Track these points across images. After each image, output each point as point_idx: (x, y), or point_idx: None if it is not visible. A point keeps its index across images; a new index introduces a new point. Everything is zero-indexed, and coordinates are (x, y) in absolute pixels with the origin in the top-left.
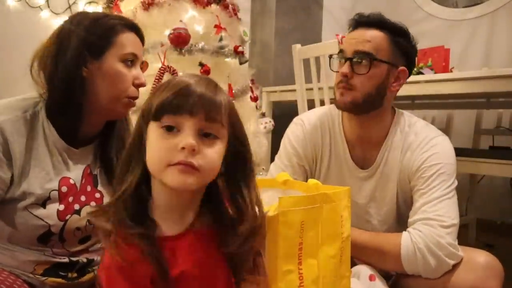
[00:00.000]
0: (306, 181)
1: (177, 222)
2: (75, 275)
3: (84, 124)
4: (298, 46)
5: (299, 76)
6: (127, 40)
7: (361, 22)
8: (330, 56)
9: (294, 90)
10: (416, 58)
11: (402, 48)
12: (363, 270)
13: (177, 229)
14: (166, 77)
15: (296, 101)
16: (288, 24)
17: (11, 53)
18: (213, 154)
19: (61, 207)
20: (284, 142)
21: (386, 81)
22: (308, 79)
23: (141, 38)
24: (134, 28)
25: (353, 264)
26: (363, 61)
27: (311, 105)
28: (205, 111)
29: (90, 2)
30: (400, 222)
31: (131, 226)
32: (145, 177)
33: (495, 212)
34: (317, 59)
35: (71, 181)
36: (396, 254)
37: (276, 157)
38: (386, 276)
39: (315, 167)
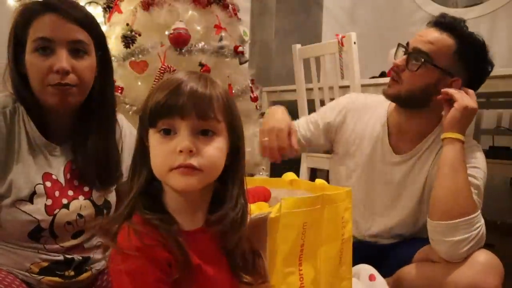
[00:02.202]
0: (327, 142)
1: (190, 219)
2: (72, 273)
3: (49, 119)
4: (298, 46)
5: (299, 76)
6: (40, 25)
7: (437, 22)
8: (399, 45)
9: (294, 90)
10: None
11: (468, 62)
12: (363, 270)
13: (191, 225)
14: (166, 77)
15: (296, 101)
16: (288, 24)
17: None
18: (212, 151)
19: (49, 201)
20: (327, 105)
21: (434, 85)
22: (308, 79)
23: (64, 13)
24: (49, 7)
25: (353, 263)
26: (418, 60)
27: (311, 105)
28: (195, 111)
29: (90, 2)
30: (420, 210)
31: (149, 213)
32: (154, 178)
33: (495, 212)
34: (317, 59)
35: (54, 177)
36: (468, 211)
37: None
38: (386, 274)
39: (339, 140)
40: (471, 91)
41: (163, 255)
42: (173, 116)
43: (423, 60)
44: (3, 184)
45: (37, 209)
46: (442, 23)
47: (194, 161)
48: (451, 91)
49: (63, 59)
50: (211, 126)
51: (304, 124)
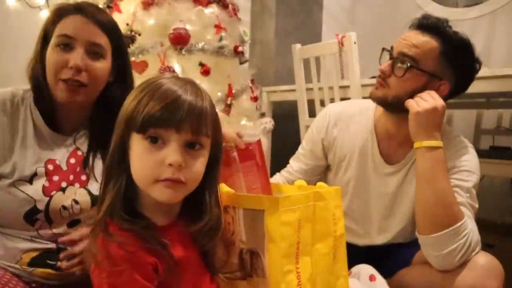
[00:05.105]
0: (322, 167)
1: (165, 215)
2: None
3: (59, 112)
4: (298, 46)
5: (299, 76)
6: (65, 24)
7: (419, 24)
8: (383, 49)
9: (294, 90)
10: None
11: (454, 63)
12: (363, 270)
13: (165, 220)
14: (153, 81)
15: (296, 101)
16: (288, 24)
17: (11, 53)
18: (198, 166)
19: (47, 183)
20: (310, 127)
21: (422, 89)
22: (308, 79)
23: (91, 17)
24: (78, 9)
25: (353, 264)
26: (404, 64)
27: (311, 105)
28: (191, 126)
29: None
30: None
31: (127, 219)
32: (131, 181)
33: (495, 212)
34: (317, 59)
35: (57, 162)
36: (451, 221)
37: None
38: (386, 274)
39: (333, 156)
40: (430, 91)
41: (148, 260)
42: (168, 128)
43: (409, 64)
44: (7, 166)
45: (35, 190)
46: (425, 24)
47: (181, 176)
48: (407, 101)
49: (79, 56)
50: (200, 141)
51: (296, 163)
